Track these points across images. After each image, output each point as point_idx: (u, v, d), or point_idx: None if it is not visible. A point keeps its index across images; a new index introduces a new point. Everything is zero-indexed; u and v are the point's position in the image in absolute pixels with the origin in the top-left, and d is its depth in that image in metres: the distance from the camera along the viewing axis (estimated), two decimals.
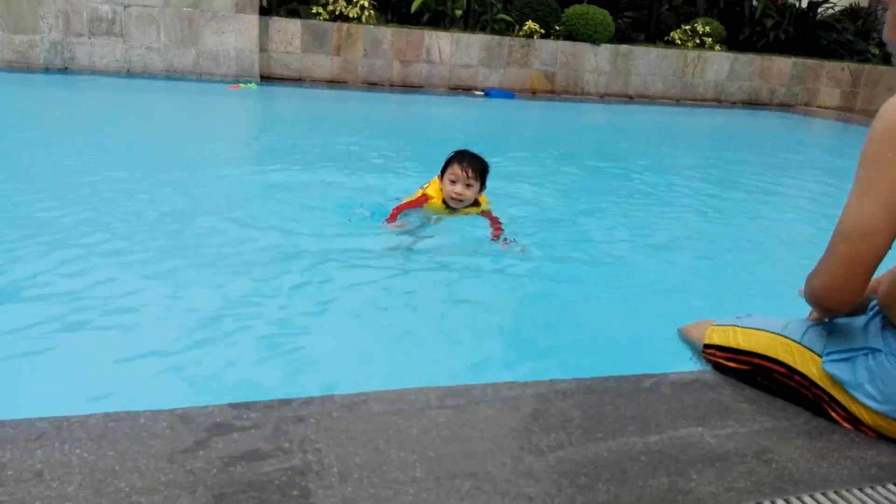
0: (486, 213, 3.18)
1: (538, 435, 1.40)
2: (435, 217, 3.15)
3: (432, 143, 5.79)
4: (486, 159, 3.13)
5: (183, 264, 2.46)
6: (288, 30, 8.70)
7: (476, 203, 3.18)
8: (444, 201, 3.11)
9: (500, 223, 3.11)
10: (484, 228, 3.04)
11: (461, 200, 3.07)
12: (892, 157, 1.34)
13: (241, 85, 8.06)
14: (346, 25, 8.82)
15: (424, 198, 3.15)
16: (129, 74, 8.01)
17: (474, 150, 3.14)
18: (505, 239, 2.93)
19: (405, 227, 2.98)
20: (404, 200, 3.22)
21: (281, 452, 1.26)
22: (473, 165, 3.04)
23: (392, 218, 3.02)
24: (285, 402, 1.41)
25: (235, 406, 1.38)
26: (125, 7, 7.84)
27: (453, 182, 3.04)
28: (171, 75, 8.15)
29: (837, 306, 1.47)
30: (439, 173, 3.14)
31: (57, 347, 1.81)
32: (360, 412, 1.41)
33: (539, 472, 1.28)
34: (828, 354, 1.57)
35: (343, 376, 1.71)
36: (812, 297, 1.50)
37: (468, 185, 3.04)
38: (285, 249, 2.71)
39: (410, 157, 4.92)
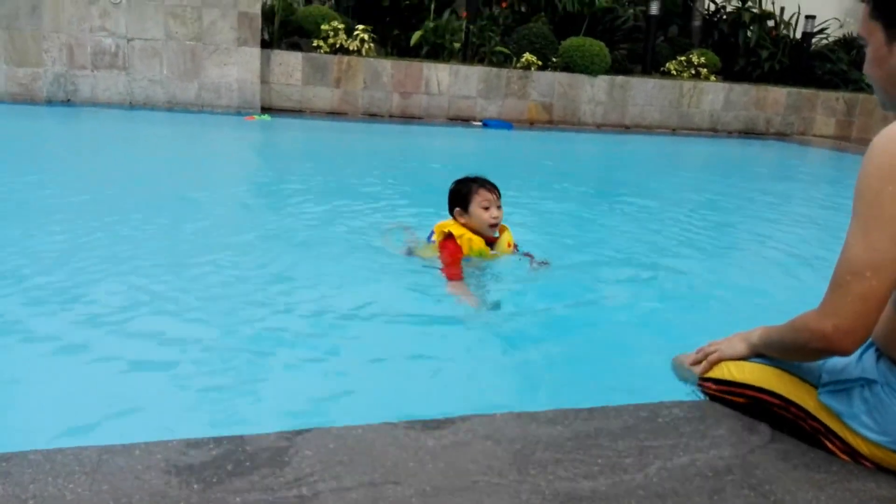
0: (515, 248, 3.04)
1: (535, 467, 1.39)
2: (479, 262, 2.92)
3: (433, 171, 5.84)
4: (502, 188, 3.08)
5: (183, 294, 2.47)
6: (289, 62, 8.82)
7: (503, 227, 3.01)
8: (476, 233, 2.90)
9: (536, 260, 3.02)
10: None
11: (499, 223, 2.92)
12: (892, 191, 1.33)
13: (256, 117, 8.21)
14: (346, 58, 8.94)
15: (456, 243, 2.88)
16: (132, 106, 8.09)
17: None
18: (537, 262, 2.96)
19: (473, 299, 2.64)
20: (441, 255, 2.91)
21: (276, 486, 1.26)
22: (495, 185, 2.94)
23: (458, 275, 2.75)
24: (281, 435, 1.41)
25: (230, 439, 1.38)
26: (128, 40, 7.95)
27: (486, 208, 2.88)
28: (173, 107, 8.23)
29: (854, 346, 1.42)
30: (457, 208, 2.94)
31: (50, 379, 1.81)
32: (355, 445, 1.41)
33: None
34: (823, 385, 1.57)
35: (338, 408, 1.71)
36: (824, 340, 1.42)
37: (499, 207, 2.93)
38: (284, 282, 2.73)
39: (412, 185, 4.95)
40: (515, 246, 3.04)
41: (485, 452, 1.43)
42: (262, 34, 8.75)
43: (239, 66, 8.37)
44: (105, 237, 3.12)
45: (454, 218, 2.95)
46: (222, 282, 2.67)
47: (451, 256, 2.85)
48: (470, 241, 2.90)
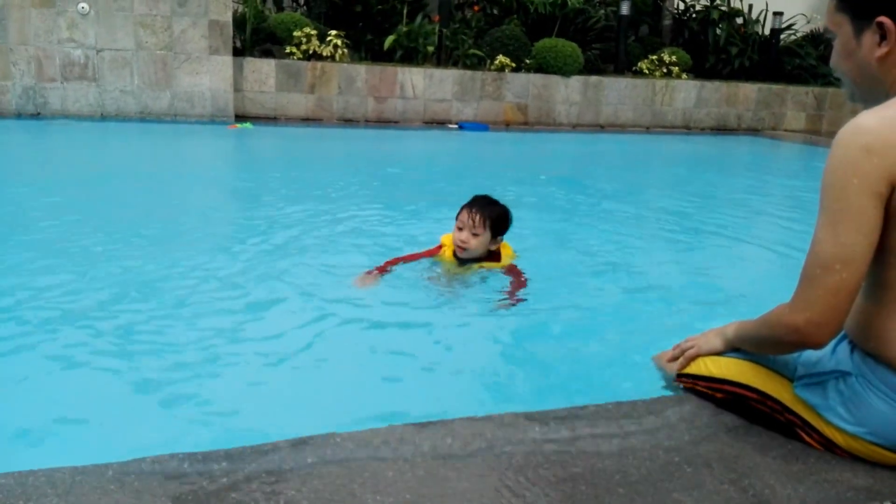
0: (511, 270, 2.90)
1: (516, 470, 1.39)
2: (442, 272, 2.91)
3: (414, 176, 5.83)
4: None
5: (159, 303, 2.44)
6: (262, 70, 8.76)
7: (496, 257, 2.93)
8: (453, 252, 2.90)
9: (524, 281, 2.85)
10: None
11: (465, 249, 2.82)
12: (858, 183, 1.34)
13: (238, 125, 8.16)
14: (319, 64, 8.90)
15: (438, 248, 2.96)
16: (103, 118, 7.99)
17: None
18: (516, 299, 2.70)
19: (371, 284, 2.73)
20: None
21: (254, 501, 1.24)
22: (482, 212, 2.78)
23: (380, 269, 2.83)
24: (256, 449, 1.39)
25: (206, 454, 1.36)
26: (98, 51, 7.86)
27: (460, 229, 2.81)
28: (145, 117, 8.15)
29: (827, 339, 1.43)
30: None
31: (20, 398, 1.78)
32: (333, 455, 1.39)
33: None
34: (799, 378, 1.58)
35: (316, 419, 1.69)
36: (797, 333, 1.43)
37: (475, 234, 2.78)
38: (257, 292, 2.70)
39: (394, 190, 4.94)
40: (521, 282, 2.88)
41: (466, 457, 1.42)
42: (234, 42, 8.69)
43: (211, 75, 8.30)
44: (84, 253, 3.07)
45: None
46: (195, 291, 2.64)
47: (408, 255, 2.99)
48: (443, 254, 2.97)
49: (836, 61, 1.56)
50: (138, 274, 2.82)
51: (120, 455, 1.35)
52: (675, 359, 1.88)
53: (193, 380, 1.94)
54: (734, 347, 1.74)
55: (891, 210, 1.37)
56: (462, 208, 2.84)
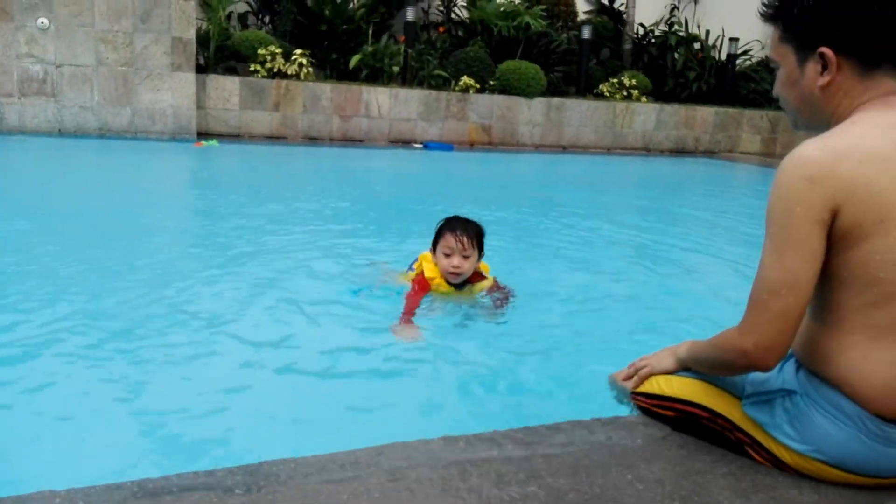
0: (498, 288, 2.90)
1: (470, 490, 1.40)
2: (444, 301, 2.80)
3: (381, 193, 5.84)
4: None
5: (118, 328, 2.40)
6: (226, 87, 8.71)
7: (482, 276, 2.90)
8: (444, 280, 2.79)
9: (510, 295, 2.85)
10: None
11: (459, 274, 2.73)
12: (801, 212, 1.39)
13: (204, 143, 8.08)
14: (284, 82, 8.89)
15: (426, 283, 2.79)
16: (62, 134, 7.86)
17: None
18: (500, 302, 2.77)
19: (419, 335, 2.54)
20: (406, 286, 2.83)
21: None
22: (468, 232, 2.71)
23: (407, 319, 2.61)
24: (209, 474, 1.37)
25: (155, 481, 1.34)
26: (57, 67, 7.74)
27: (448, 255, 2.70)
28: (105, 134, 8.03)
29: (774, 362, 1.47)
30: (431, 247, 2.82)
31: None
32: (288, 480, 1.38)
33: None
34: (747, 397, 1.62)
35: (271, 444, 1.68)
36: (746, 357, 1.47)
37: (465, 257, 2.70)
38: (215, 313, 2.68)
39: (363, 209, 4.94)
40: (507, 295, 2.89)
41: (420, 479, 1.43)
42: (198, 59, 8.63)
43: (173, 92, 8.23)
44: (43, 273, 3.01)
45: (431, 253, 2.84)
46: (150, 312, 2.60)
47: (411, 299, 2.73)
48: (437, 286, 2.80)
49: (780, 90, 1.62)
50: (94, 294, 2.77)
51: (68, 482, 1.32)
52: (629, 377, 1.91)
53: (146, 406, 1.91)
54: (686, 367, 1.78)
55: (833, 236, 1.42)
56: (444, 234, 2.73)
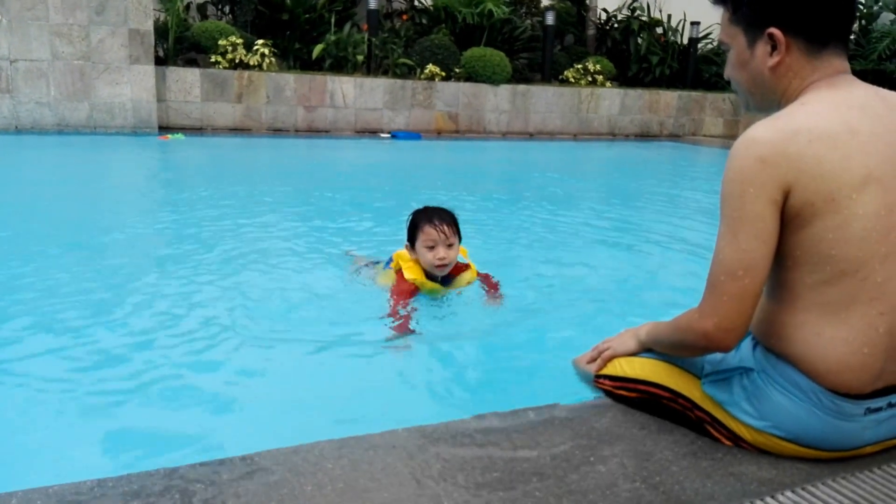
0: (484, 278, 2.81)
1: (435, 479, 1.40)
2: (430, 299, 2.69)
3: (353, 184, 5.80)
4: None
5: (83, 319, 2.36)
6: (186, 79, 8.57)
7: (464, 265, 2.79)
8: (428, 276, 2.68)
9: (496, 283, 2.79)
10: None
11: (446, 265, 2.63)
12: (754, 192, 1.41)
13: (170, 136, 7.94)
14: (246, 73, 8.77)
15: (411, 285, 2.66)
16: (18, 131, 7.66)
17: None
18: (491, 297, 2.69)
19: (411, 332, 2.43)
20: (390, 288, 2.68)
21: None
22: (447, 220, 2.61)
23: (404, 326, 2.47)
24: (171, 471, 1.36)
25: (115, 480, 1.32)
26: (11, 62, 7.53)
27: (431, 248, 2.60)
28: (63, 130, 7.85)
29: (734, 342, 1.49)
30: (406, 243, 2.72)
31: None
32: (251, 473, 1.38)
33: None
34: (706, 376, 1.65)
35: (236, 437, 1.67)
36: (706, 338, 1.49)
37: (449, 246, 2.61)
38: (183, 308, 2.64)
39: (332, 200, 4.90)
40: (496, 285, 2.84)
41: (385, 469, 1.43)
42: (157, 51, 8.47)
43: (132, 85, 8.07)
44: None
45: (407, 250, 2.73)
46: (115, 307, 2.56)
47: (397, 300, 2.60)
48: (422, 285, 2.69)
49: (731, 72, 1.64)
50: (63, 292, 2.72)
51: (27, 482, 1.30)
52: (593, 360, 1.93)
53: (106, 403, 1.88)
54: (648, 348, 1.80)
55: (786, 216, 1.44)
56: (422, 227, 2.61)
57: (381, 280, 2.85)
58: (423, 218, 2.63)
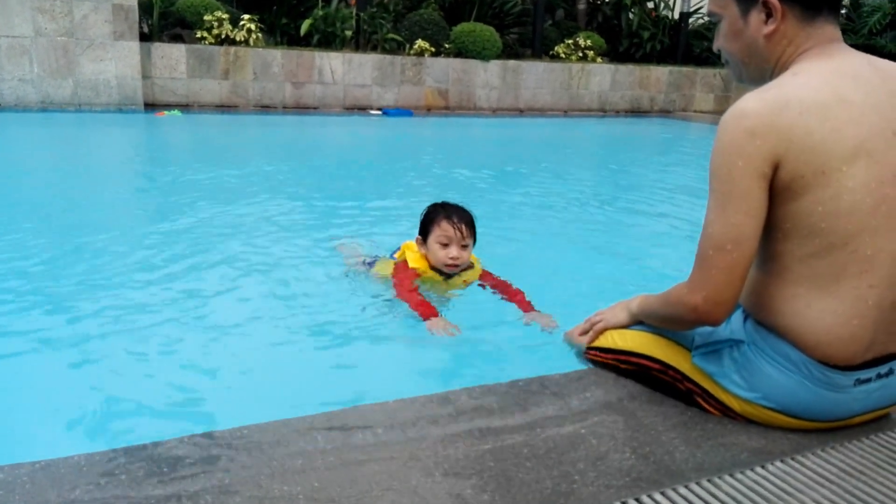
0: (487, 277, 2.66)
1: (425, 450, 1.40)
2: (433, 295, 2.56)
3: (348, 163, 5.76)
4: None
5: (69, 298, 2.33)
6: (172, 55, 8.44)
7: (469, 265, 2.65)
8: (433, 268, 2.57)
9: (511, 284, 2.60)
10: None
11: (458, 266, 2.53)
12: (742, 165, 1.39)
13: (166, 112, 7.84)
14: (233, 49, 8.65)
15: (413, 272, 2.56)
16: (1, 108, 7.53)
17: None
18: (538, 312, 2.43)
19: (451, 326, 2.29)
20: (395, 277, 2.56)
21: (154, 498, 1.21)
22: (466, 220, 2.50)
23: (430, 312, 2.34)
24: (158, 444, 1.35)
25: (103, 453, 1.31)
26: None
27: (445, 245, 2.48)
28: (47, 107, 7.73)
29: (724, 316, 1.49)
30: (418, 237, 2.60)
31: None
32: (241, 447, 1.37)
33: (426, 490, 1.28)
34: (696, 348, 1.65)
35: (226, 411, 1.66)
36: (696, 312, 1.49)
37: (464, 247, 2.50)
38: (174, 285, 2.62)
39: (326, 181, 4.86)
40: (514, 289, 2.63)
41: (376, 441, 1.42)
42: (141, 27, 8.33)
43: (117, 61, 7.94)
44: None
45: (417, 243, 2.62)
46: (108, 281, 2.54)
47: (402, 284, 2.50)
48: (423, 273, 2.59)
49: (723, 43, 1.61)
50: (49, 272, 2.69)
51: (14, 458, 1.29)
52: (584, 332, 1.93)
53: (97, 378, 1.87)
54: (639, 321, 1.80)
55: (776, 188, 1.43)
56: (439, 222, 2.49)
57: (379, 268, 2.74)
58: (441, 213, 2.51)
